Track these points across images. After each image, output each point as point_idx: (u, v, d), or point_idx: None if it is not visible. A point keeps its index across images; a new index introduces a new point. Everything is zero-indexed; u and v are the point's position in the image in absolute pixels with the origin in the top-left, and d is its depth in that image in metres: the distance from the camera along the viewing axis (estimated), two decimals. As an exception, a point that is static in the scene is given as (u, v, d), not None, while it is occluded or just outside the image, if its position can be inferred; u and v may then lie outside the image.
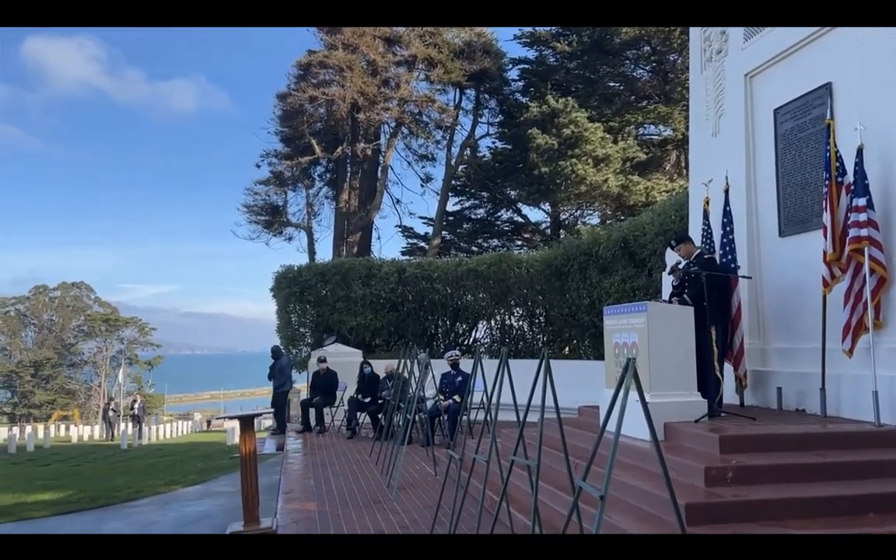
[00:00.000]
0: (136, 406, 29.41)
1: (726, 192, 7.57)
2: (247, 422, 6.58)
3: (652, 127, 25.91)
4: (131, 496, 8.59)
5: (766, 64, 7.62)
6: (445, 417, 10.63)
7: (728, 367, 7.11)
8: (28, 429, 29.36)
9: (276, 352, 14.24)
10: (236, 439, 16.78)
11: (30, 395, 50.75)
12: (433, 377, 10.38)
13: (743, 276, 7.17)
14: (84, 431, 31.70)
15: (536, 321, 17.06)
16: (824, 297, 6.19)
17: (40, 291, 56.73)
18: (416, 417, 9.58)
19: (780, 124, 7.43)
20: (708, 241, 7.74)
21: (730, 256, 7.33)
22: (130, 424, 28.17)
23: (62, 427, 34.80)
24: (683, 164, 23.20)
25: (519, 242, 28.44)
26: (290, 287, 17.49)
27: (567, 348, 16.35)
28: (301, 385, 17.08)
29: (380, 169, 27.34)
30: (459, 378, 10.94)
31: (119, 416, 32.14)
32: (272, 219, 27.50)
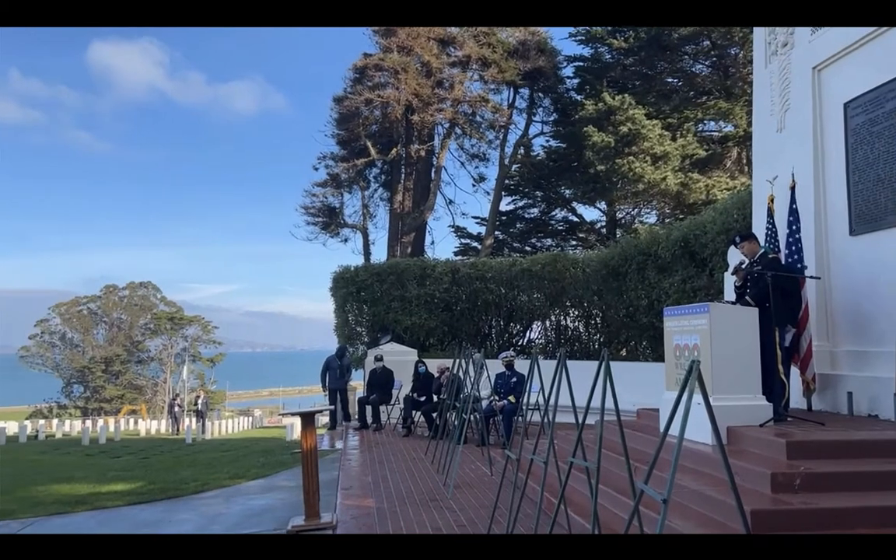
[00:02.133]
0: (200, 402, 30.47)
1: (792, 189, 7.32)
2: (308, 419, 6.75)
3: (712, 123, 25.25)
4: (198, 489, 8.93)
5: (836, 56, 7.34)
6: (500, 418, 10.64)
7: (794, 371, 6.88)
8: (100, 422, 30.79)
9: (341, 351, 14.60)
10: (295, 435, 17.22)
11: (101, 389, 53.19)
12: (488, 377, 10.40)
13: (811, 277, 6.93)
14: (151, 425, 33.03)
15: (593, 322, 16.84)
16: (899, 299, 5.93)
17: (111, 291, 59.47)
18: (471, 417, 9.62)
19: (851, 118, 7.15)
20: (773, 241, 7.50)
21: (796, 256, 7.09)
22: (194, 419, 29.19)
23: (131, 421, 36.31)
24: (745, 161, 22.49)
25: (573, 242, 28.13)
26: (347, 287, 17.83)
27: (624, 350, 16.08)
28: (357, 382, 17.37)
29: (433, 170, 27.52)
30: (514, 379, 10.92)
31: (184, 411, 33.32)
32: (329, 220, 28.06)
